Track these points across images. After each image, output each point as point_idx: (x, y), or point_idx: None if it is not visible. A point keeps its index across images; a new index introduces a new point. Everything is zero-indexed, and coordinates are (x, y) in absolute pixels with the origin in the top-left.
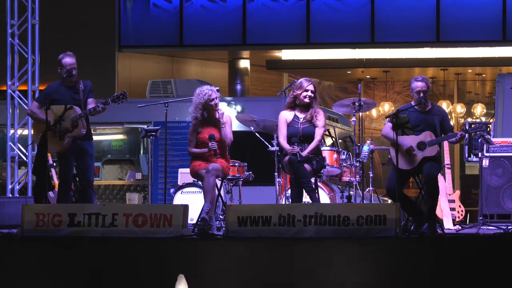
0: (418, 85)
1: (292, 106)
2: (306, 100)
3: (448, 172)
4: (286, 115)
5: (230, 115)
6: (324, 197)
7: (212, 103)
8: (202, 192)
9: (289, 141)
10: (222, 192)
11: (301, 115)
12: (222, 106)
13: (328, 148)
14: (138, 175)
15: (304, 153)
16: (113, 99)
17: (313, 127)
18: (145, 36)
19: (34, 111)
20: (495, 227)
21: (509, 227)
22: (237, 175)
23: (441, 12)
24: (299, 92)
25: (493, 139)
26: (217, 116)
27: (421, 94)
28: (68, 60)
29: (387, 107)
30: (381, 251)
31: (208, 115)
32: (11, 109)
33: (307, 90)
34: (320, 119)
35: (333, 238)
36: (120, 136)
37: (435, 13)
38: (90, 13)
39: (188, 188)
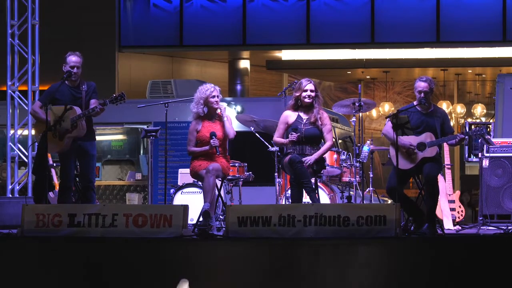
0: (420, 85)
1: (295, 108)
2: (307, 100)
3: (448, 172)
4: (289, 116)
5: (230, 115)
6: (324, 198)
7: (213, 99)
8: (202, 193)
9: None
10: (222, 193)
11: (304, 116)
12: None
13: None
14: (138, 176)
15: (313, 158)
16: (111, 100)
17: (317, 129)
18: (145, 36)
19: (36, 110)
20: (495, 228)
21: (509, 227)
22: (237, 175)
23: (441, 12)
24: (299, 93)
25: (493, 140)
26: (218, 112)
27: (422, 95)
28: (73, 58)
29: (387, 108)
30: (381, 251)
31: (208, 112)
32: (11, 109)
33: (306, 90)
34: (327, 122)
35: (333, 238)
36: (120, 136)
37: (435, 13)
38: (90, 13)
39: (188, 189)
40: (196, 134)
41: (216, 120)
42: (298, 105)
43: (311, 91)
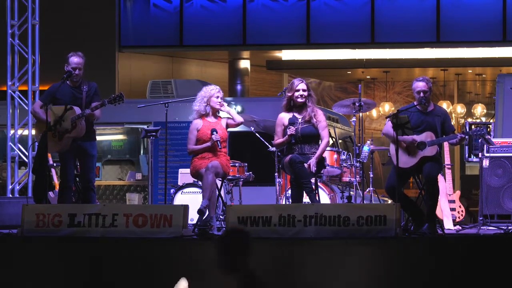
0: (419, 85)
1: (288, 108)
2: (300, 100)
3: (448, 172)
4: (284, 118)
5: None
6: (324, 198)
7: (216, 99)
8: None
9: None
10: (222, 192)
11: (299, 116)
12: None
13: (329, 148)
14: (138, 176)
15: (314, 160)
16: (109, 100)
17: (312, 127)
18: (145, 36)
19: (36, 110)
20: (495, 228)
21: (509, 228)
22: (237, 175)
23: (441, 12)
24: (291, 93)
25: (493, 140)
26: (221, 108)
27: (421, 94)
28: (75, 59)
29: (387, 108)
30: (381, 251)
31: (210, 112)
32: (11, 109)
33: (298, 90)
34: (321, 119)
35: (333, 239)
36: (120, 136)
37: (435, 13)
38: (90, 13)
39: (188, 189)
40: (197, 133)
41: (216, 120)
42: (291, 106)
43: (303, 90)
